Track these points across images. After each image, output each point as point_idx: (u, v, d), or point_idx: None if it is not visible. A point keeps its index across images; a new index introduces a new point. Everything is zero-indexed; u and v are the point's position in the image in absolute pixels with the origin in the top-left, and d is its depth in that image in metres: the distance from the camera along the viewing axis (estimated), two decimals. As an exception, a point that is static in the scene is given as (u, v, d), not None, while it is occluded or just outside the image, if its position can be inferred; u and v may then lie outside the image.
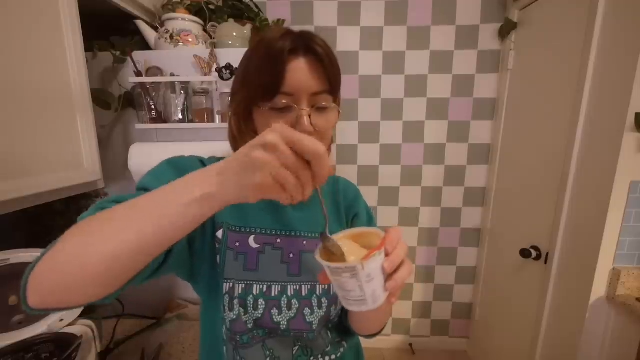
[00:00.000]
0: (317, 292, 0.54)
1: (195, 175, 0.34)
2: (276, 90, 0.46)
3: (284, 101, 0.46)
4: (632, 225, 1.02)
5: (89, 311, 0.93)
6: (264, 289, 0.52)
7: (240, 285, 0.51)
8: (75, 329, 0.85)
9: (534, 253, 1.33)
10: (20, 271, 0.78)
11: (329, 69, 0.48)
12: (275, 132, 0.31)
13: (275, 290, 0.53)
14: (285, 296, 0.53)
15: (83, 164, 0.86)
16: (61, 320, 0.85)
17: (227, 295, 0.51)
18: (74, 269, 0.32)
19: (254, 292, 0.51)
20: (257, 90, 0.47)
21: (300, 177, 0.32)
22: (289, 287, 0.53)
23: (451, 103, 1.73)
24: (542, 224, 1.31)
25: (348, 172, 1.83)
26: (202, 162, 0.54)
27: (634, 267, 1.03)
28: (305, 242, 0.56)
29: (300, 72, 0.46)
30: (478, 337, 1.90)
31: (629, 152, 0.98)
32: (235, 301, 0.51)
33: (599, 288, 1.06)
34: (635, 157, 0.98)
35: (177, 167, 0.50)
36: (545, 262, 1.28)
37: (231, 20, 1.21)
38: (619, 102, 0.99)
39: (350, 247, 0.40)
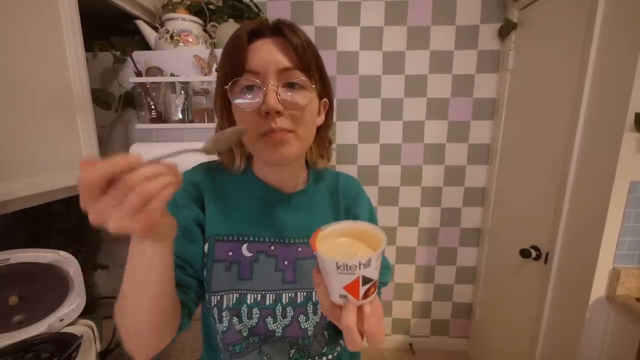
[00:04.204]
0: (313, 299, 0.52)
1: None
2: (241, 70, 0.45)
3: (250, 78, 0.44)
4: (632, 225, 1.02)
5: (89, 311, 0.93)
6: (258, 298, 0.50)
7: (234, 294, 0.50)
8: (75, 329, 0.85)
9: (533, 253, 1.33)
10: (20, 271, 0.78)
11: (297, 45, 0.45)
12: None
13: (269, 299, 0.51)
14: (279, 304, 0.51)
15: (83, 164, 0.86)
16: (61, 320, 0.85)
17: (215, 308, 0.49)
18: (135, 340, 0.43)
19: (248, 302, 0.50)
20: (225, 78, 0.46)
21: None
22: (283, 295, 0.52)
23: (451, 103, 1.73)
24: (542, 223, 1.31)
25: (348, 172, 1.81)
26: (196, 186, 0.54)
27: (633, 267, 1.04)
28: (299, 249, 0.54)
29: (264, 49, 0.45)
30: (478, 337, 1.90)
31: (629, 152, 0.98)
32: (225, 313, 0.49)
33: (599, 288, 1.06)
34: (635, 157, 0.98)
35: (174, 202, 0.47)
36: (545, 262, 1.28)
37: (231, 20, 1.21)
38: (618, 102, 0.99)
39: (352, 243, 0.40)
